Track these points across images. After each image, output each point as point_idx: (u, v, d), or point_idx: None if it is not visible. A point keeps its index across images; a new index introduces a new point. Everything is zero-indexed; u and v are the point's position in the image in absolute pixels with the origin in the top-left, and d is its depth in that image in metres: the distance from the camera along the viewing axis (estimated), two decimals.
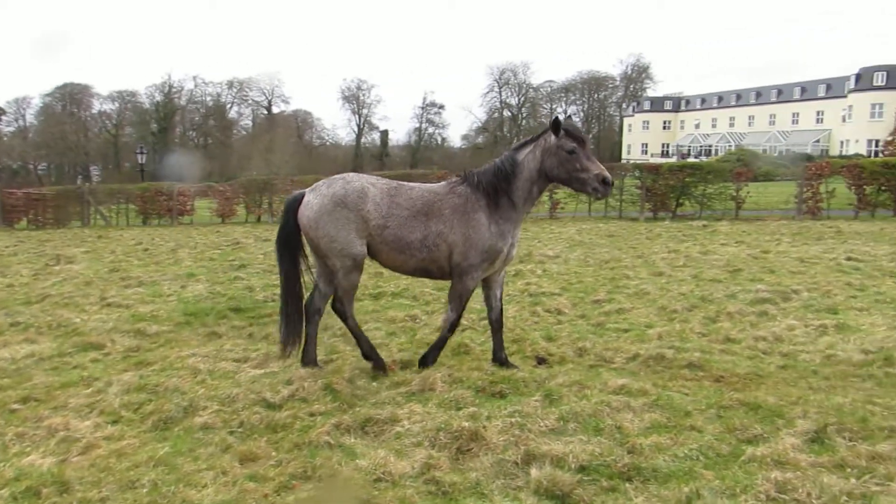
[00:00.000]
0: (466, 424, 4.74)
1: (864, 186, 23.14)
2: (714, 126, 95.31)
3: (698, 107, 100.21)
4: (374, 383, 6.00)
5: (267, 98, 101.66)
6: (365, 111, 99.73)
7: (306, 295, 6.59)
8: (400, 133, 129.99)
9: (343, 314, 6.42)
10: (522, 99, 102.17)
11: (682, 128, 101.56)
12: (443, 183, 6.40)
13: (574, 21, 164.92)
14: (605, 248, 15.86)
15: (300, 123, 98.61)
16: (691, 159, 70.22)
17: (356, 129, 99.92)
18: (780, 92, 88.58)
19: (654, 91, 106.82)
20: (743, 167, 30.39)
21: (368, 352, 6.43)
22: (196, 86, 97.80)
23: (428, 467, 4.29)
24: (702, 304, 9.10)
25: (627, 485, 4.08)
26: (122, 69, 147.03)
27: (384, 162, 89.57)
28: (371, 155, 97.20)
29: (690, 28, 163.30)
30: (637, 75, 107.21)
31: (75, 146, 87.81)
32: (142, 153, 45.45)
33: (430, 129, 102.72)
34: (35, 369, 6.65)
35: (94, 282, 11.97)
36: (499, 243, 6.08)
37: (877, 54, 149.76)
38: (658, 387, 5.72)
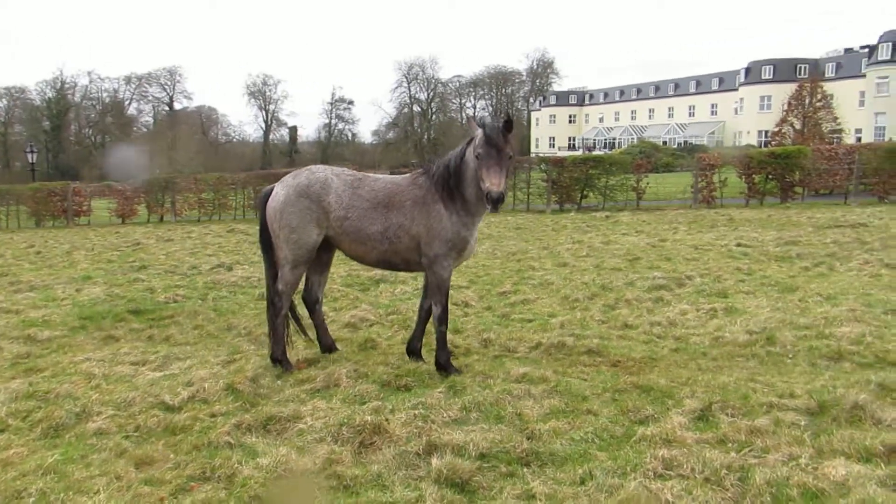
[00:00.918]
0: (369, 418, 4.77)
1: (754, 175, 24.50)
2: (617, 119, 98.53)
3: (602, 101, 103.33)
4: (279, 381, 5.94)
5: (168, 94, 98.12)
6: (272, 107, 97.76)
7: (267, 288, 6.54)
8: (309, 129, 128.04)
9: (278, 310, 6.32)
10: (431, 94, 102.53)
11: (586, 121, 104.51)
12: (407, 175, 6.38)
13: (479, 15, 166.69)
14: (512, 240, 16.18)
15: (205, 120, 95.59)
16: (597, 152, 72.38)
17: (263, 126, 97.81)
18: (676, 86, 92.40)
19: (559, 86, 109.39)
20: (644, 159, 31.61)
21: (280, 356, 6.34)
22: (91, 81, 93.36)
23: (330, 462, 4.29)
24: (602, 293, 9.44)
25: (525, 469, 4.21)
26: (8, 64, 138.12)
27: (293, 158, 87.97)
28: (280, 151, 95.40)
29: (592, 22, 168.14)
30: (542, 70, 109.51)
31: None
32: (32, 152, 42.89)
33: (340, 125, 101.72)
34: None
35: None
36: (462, 232, 6.03)
37: (765, 49, 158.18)
38: (558, 374, 5.91)
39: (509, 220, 21.43)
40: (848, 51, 73.72)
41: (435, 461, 4.21)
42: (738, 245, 13.37)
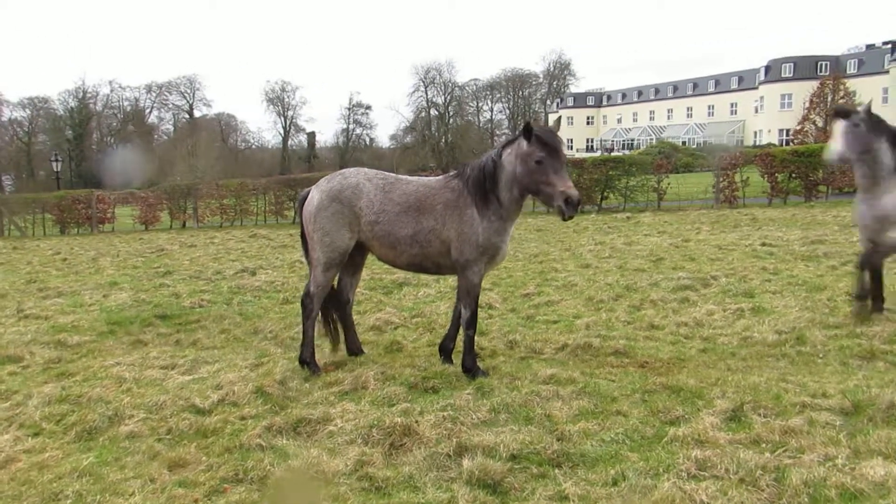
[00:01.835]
0: (399, 420, 4.78)
1: (776, 174, 24.25)
2: (635, 120, 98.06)
3: (619, 102, 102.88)
4: (307, 384, 5.97)
5: (188, 102, 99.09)
6: (290, 113, 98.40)
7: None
8: (327, 135, 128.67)
9: (308, 312, 6.39)
10: (449, 97, 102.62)
11: (604, 122, 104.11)
12: (441, 177, 6.36)
13: (496, 18, 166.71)
14: (533, 242, 16.14)
15: (224, 127, 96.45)
16: (616, 153, 72.04)
17: (282, 132, 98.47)
18: (695, 85, 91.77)
19: (576, 87, 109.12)
20: (663, 159, 31.41)
21: (308, 359, 6.38)
22: (112, 90, 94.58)
23: (361, 464, 4.31)
24: (627, 294, 9.39)
25: (556, 470, 4.19)
26: (32, 75, 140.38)
27: (312, 164, 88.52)
28: (298, 157, 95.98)
29: (609, 23, 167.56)
30: (559, 72, 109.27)
31: None
32: (56, 161, 43.54)
33: (358, 130, 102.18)
34: None
35: (10, 294, 11.46)
36: (493, 238, 5.91)
37: (784, 46, 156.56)
38: (586, 375, 5.89)
39: (530, 222, 21.38)
40: (870, 47, 72.81)
41: (466, 462, 4.21)
42: (763, 244, 13.23)
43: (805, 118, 60.35)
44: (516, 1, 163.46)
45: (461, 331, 6.18)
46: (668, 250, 13.29)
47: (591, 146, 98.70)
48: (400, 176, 6.48)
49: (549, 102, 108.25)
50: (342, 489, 4.05)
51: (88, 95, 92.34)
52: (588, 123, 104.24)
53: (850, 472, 3.88)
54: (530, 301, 9.26)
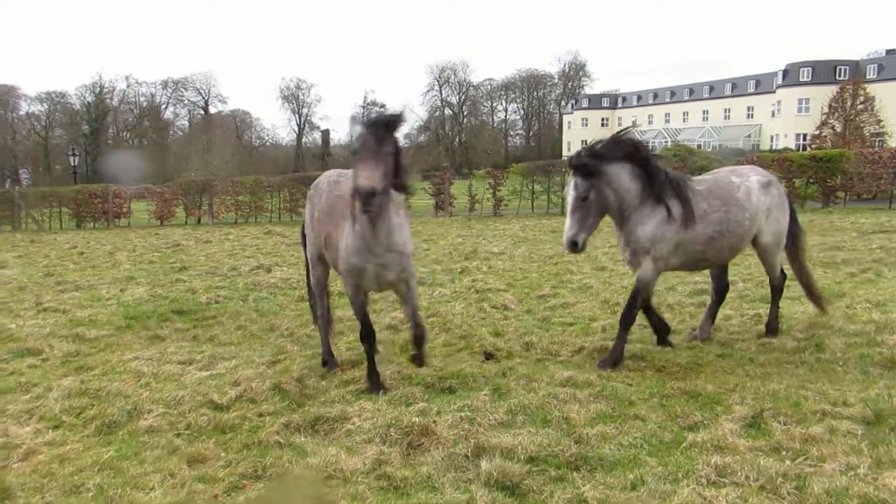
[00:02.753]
0: (417, 420, 4.78)
1: (794, 179, 24.07)
2: (651, 122, 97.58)
3: (635, 104, 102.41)
4: (324, 382, 5.99)
5: (203, 98, 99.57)
6: (305, 111, 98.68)
7: None
8: (341, 132, 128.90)
9: (313, 307, 6.66)
10: (463, 97, 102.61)
11: (619, 124, 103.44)
12: None
13: (511, 18, 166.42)
14: (548, 243, 16.10)
15: (239, 123, 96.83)
16: None
17: (297, 129, 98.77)
18: (711, 88, 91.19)
19: (591, 89, 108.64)
20: (679, 162, 31.24)
21: (325, 357, 6.46)
22: (129, 86, 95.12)
23: (379, 463, 4.31)
24: None
25: (575, 474, 4.18)
26: (50, 69, 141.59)
27: (326, 162, 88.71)
28: (313, 155, 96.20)
29: (624, 24, 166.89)
30: (574, 73, 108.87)
31: (3, 149, 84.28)
32: (74, 155, 43.95)
33: None
34: None
35: (28, 287, 11.56)
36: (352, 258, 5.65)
37: (803, 50, 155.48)
38: (603, 378, 5.87)
39: (545, 224, 21.34)
40: (890, 52, 72.07)
41: (484, 464, 4.21)
42: None
43: (824, 123, 59.86)
44: (532, 1, 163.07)
45: None
46: None
47: None
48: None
49: (563, 103, 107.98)
50: (360, 488, 4.06)
51: (105, 90, 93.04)
52: (603, 125, 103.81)
53: (873, 482, 3.84)
54: (546, 303, 9.23)
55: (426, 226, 21.19)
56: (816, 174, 23.75)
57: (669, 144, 75.89)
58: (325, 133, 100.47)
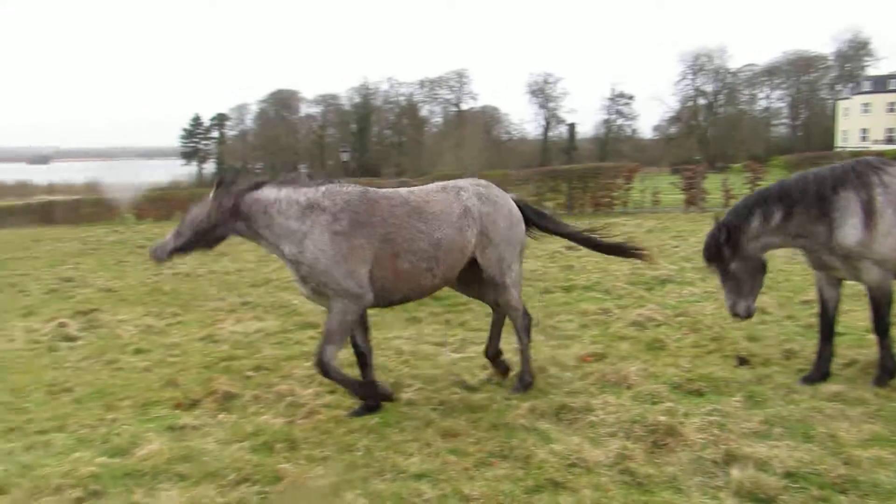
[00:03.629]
0: (662, 419, 4.70)
1: None
2: None
3: None
4: (567, 374, 6.08)
5: (456, 95, 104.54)
6: (552, 105, 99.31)
7: None
8: (587, 126, 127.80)
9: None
10: (719, 85, 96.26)
11: None
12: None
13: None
14: None
15: (488, 119, 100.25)
16: None
17: (544, 124, 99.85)
18: None
19: (876, 70, 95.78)
20: None
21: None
22: (391, 86, 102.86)
23: (622, 458, 4.31)
24: None
25: (842, 497, 3.84)
26: (323, 75, 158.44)
27: (571, 156, 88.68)
28: (558, 149, 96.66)
29: None
30: (854, 52, 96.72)
31: (286, 147, 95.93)
32: (345, 151, 48.73)
33: (619, 121, 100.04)
34: (263, 343, 7.53)
35: None
36: None
37: None
38: (880, 397, 5.26)
39: None
40: None
41: (735, 472, 4.02)
42: None
43: None
44: None
45: None
46: None
47: (893, 137, 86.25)
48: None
49: (839, 87, 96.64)
50: (603, 479, 4.09)
51: (370, 92, 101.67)
52: (890, 111, 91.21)
53: None
54: (811, 308, 8.42)
55: (675, 221, 20.35)
56: None
57: None
58: (571, 127, 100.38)
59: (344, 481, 4.17)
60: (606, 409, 5.06)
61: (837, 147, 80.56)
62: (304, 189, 5.18)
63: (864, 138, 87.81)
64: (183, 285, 11.88)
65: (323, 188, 5.20)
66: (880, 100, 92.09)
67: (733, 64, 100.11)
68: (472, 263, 5.54)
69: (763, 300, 8.75)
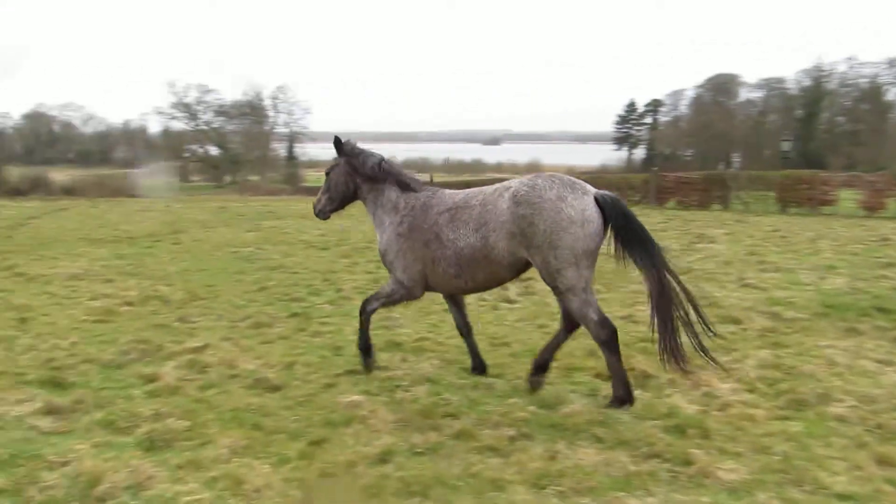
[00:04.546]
0: None
1: None
2: None
3: None
4: None
5: None
6: None
7: None
8: None
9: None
10: None
11: None
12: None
13: None
14: None
15: None
16: None
17: None
18: None
19: None
20: None
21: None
22: (850, 67, 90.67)
23: None
24: None
25: None
26: (769, 58, 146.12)
27: None
28: None
29: None
30: None
31: (719, 134, 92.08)
32: (787, 140, 44.87)
33: None
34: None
35: (733, 262, 12.64)
36: None
37: None
38: None
39: None
40: None
41: None
42: None
43: None
44: None
45: None
46: None
47: None
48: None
49: None
50: None
51: (823, 74, 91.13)
52: None
53: None
54: None
55: None
56: None
57: None
58: None
59: (757, 481, 4.08)
60: None
61: None
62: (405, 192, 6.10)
63: None
64: (607, 265, 12.46)
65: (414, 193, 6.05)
66: None
67: None
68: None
69: None
